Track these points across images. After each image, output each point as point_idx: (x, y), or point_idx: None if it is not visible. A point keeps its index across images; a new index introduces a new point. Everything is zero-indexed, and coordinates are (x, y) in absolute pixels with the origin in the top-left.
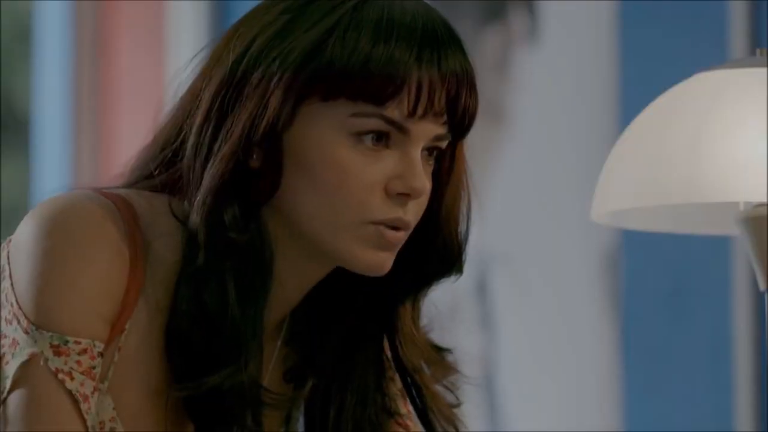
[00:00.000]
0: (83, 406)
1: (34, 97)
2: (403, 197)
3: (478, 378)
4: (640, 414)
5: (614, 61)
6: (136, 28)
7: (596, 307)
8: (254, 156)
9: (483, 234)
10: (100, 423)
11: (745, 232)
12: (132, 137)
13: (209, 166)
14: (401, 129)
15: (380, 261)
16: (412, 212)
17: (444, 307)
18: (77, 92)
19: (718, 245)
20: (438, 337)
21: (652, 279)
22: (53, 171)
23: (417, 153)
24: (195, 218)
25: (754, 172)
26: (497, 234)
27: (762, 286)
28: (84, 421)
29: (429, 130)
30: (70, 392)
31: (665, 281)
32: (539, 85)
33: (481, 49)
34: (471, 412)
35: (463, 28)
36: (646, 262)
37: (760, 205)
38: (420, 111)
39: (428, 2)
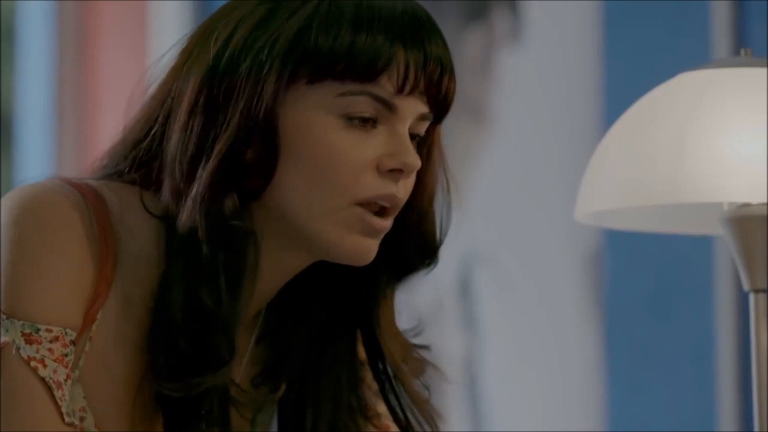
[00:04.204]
0: (57, 393)
1: (17, 96)
2: (396, 173)
3: (460, 377)
4: (624, 414)
5: (598, 60)
6: (119, 28)
7: (580, 307)
8: (251, 147)
9: (466, 234)
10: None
11: (729, 232)
12: (115, 135)
13: (203, 161)
14: (389, 106)
15: (365, 247)
16: (404, 191)
17: (428, 307)
18: (61, 91)
19: (702, 245)
20: (421, 337)
21: (636, 279)
22: (37, 169)
23: (405, 130)
24: (191, 214)
25: (738, 172)
26: (481, 234)
27: (745, 287)
28: (58, 407)
29: (415, 107)
30: (42, 379)
31: (649, 281)
32: (523, 84)
33: (465, 48)
34: (454, 412)
35: (446, 27)
36: (630, 262)
37: (744, 205)
38: (408, 88)
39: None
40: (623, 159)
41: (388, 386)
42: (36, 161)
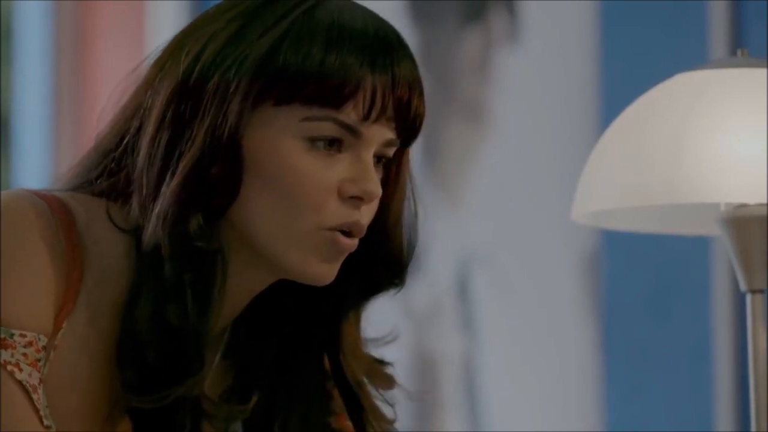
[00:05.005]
0: (34, 396)
1: (15, 97)
2: (357, 201)
3: (458, 378)
4: (622, 414)
5: (595, 60)
6: (116, 28)
7: (577, 307)
8: (215, 165)
9: (465, 234)
10: None
11: (726, 233)
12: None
13: (168, 176)
14: (354, 133)
15: (326, 270)
16: (366, 217)
17: (426, 308)
18: (58, 92)
19: (699, 246)
20: (418, 340)
21: (634, 279)
22: (34, 170)
23: (369, 157)
24: (155, 230)
25: (735, 172)
26: (478, 235)
27: (743, 287)
28: (37, 410)
29: (381, 134)
30: (20, 383)
31: (646, 282)
32: (520, 85)
33: (462, 49)
34: (453, 413)
35: (444, 28)
36: (628, 263)
37: (741, 206)
38: (374, 115)
39: (407, 3)
40: (621, 159)
41: (351, 405)
42: (33, 162)
